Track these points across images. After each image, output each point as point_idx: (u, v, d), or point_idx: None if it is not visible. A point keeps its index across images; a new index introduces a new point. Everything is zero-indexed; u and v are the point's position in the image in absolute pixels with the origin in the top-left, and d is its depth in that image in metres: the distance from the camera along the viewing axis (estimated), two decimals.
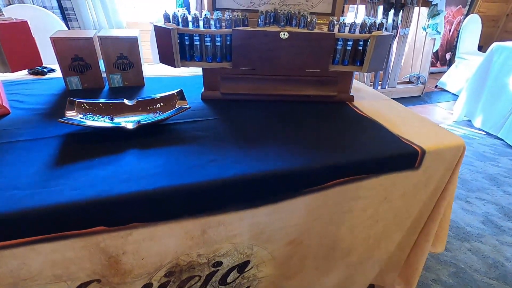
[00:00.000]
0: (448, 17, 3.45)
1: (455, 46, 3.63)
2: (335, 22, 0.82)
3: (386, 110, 0.88)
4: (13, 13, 1.61)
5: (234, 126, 0.74)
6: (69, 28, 2.25)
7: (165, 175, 0.54)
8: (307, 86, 0.88)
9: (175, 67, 0.82)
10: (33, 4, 2.07)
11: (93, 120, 0.66)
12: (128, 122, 0.65)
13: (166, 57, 0.82)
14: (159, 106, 0.74)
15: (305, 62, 0.83)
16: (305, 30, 0.80)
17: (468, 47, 3.09)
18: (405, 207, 0.77)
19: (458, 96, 2.99)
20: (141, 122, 0.63)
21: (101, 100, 0.71)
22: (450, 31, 3.60)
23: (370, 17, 0.85)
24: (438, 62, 3.76)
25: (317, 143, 0.67)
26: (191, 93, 0.91)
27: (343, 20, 0.83)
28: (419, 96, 3.01)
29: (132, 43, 0.87)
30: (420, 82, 2.99)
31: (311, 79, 0.88)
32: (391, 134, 0.73)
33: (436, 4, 2.60)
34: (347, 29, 0.82)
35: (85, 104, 0.69)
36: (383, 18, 2.58)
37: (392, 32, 2.66)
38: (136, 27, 2.62)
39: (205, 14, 0.78)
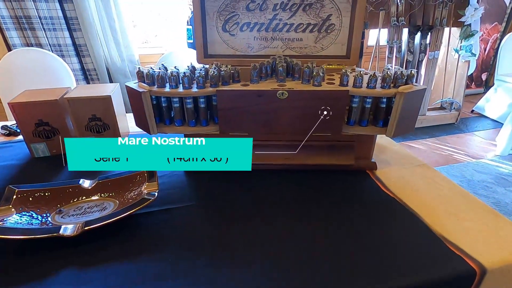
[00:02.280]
0: (483, 35, 3.15)
1: (491, 65, 3.30)
2: (349, 73, 0.64)
3: (421, 184, 0.67)
4: (19, 56, 1.59)
5: (214, 220, 0.56)
6: (82, 64, 2.25)
7: None
8: (314, 154, 0.69)
9: (150, 134, 0.67)
10: (49, 43, 2.09)
11: (30, 219, 0.51)
12: (70, 222, 0.50)
13: (140, 122, 0.68)
14: (120, 191, 0.58)
15: (311, 125, 0.65)
16: (310, 87, 0.63)
17: (508, 68, 2.77)
18: None
19: (499, 122, 2.65)
20: (86, 227, 0.48)
21: (50, 186, 0.57)
22: (485, 50, 3.28)
23: (395, 66, 0.66)
24: (473, 83, 3.42)
25: (325, 258, 0.48)
26: None
27: (361, 71, 0.65)
28: (453, 123, 2.70)
29: (105, 103, 0.74)
30: (454, 108, 2.68)
31: (320, 144, 0.69)
32: (432, 234, 0.52)
33: (469, 24, 2.35)
34: (365, 79, 0.64)
35: (29, 196, 0.55)
36: (409, 41, 2.37)
37: (419, 56, 2.43)
38: (148, 60, 2.60)
39: (184, 71, 0.63)
